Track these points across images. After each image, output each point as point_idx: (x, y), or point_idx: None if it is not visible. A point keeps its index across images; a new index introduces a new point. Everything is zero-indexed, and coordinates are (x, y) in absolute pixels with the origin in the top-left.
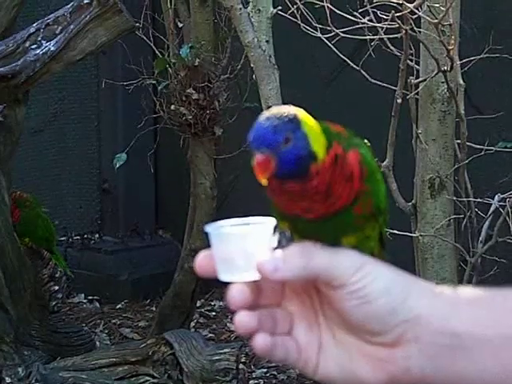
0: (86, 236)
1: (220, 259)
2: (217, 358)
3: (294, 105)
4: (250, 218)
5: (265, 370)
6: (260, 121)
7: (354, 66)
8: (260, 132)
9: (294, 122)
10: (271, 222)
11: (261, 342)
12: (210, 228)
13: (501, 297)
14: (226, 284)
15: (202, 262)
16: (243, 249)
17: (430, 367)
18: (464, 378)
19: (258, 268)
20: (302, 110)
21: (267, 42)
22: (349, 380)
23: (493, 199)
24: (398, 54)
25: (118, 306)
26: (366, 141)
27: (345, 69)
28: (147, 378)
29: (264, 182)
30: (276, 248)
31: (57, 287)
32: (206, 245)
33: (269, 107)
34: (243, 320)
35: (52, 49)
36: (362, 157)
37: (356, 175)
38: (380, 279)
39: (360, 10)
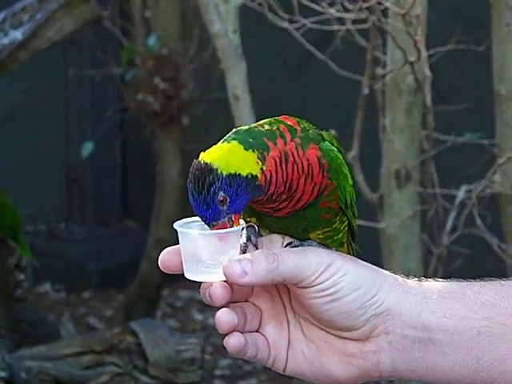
0: (53, 225)
1: (187, 258)
2: (182, 347)
3: (261, 95)
4: None
5: (231, 360)
6: (192, 196)
7: (322, 57)
8: (200, 212)
9: (213, 176)
10: (240, 223)
11: (234, 341)
12: (178, 225)
13: (471, 291)
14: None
15: (165, 257)
16: (211, 249)
17: (401, 360)
18: (435, 370)
19: (224, 272)
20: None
21: (234, 31)
22: (319, 375)
23: (459, 190)
24: (366, 45)
25: (84, 296)
26: (332, 132)
27: (312, 60)
28: (112, 367)
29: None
30: (245, 245)
31: (23, 276)
32: (173, 235)
33: (235, 97)
34: (226, 318)
35: (19, 38)
36: (323, 152)
37: (316, 170)
38: (349, 276)
39: (327, 1)
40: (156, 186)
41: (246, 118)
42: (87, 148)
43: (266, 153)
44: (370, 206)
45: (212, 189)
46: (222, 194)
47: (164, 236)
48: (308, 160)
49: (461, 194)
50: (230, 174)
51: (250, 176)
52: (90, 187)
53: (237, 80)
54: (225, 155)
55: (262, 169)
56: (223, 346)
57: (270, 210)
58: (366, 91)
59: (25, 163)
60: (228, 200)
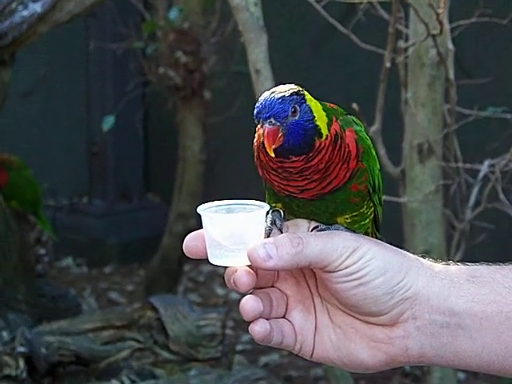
0: (74, 200)
1: (211, 242)
2: (203, 323)
3: (283, 69)
4: (246, 200)
5: None
6: (265, 94)
7: (344, 30)
8: (267, 103)
9: (300, 95)
10: (264, 206)
11: (259, 328)
12: (202, 209)
13: (500, 275)
14: None
15: (190, 243)
16: (235, 233)
17: (429, 346)
18: (463, 356)
19: (248, 256)
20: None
21: (255, 4)
22: (347, 361)
23: (482, 165)
24: (388, 18)
25: (105, 270)
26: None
27: (334, 33)
28: (133, 342)
29: (272, 152)
30: (270, 229)
31: (43, 251)
32: (194, 209)
33: (257, 71)
34: (251, 305)
35: (39, 10)
36: (358, 135)
37: (353, 155)
38: (375, 260)
39: None
40: (178, 160)
41: None
42: (108, 122)
43: (330, 124)
44: (392, 181)
45: (294, 96)
46: (298, 107)
47: (185, 210)
48: (348, 145)
49: (484, 168)
50: (311, 108)
51: (319, 128)
52: (112, 161)
53: (258, 53)
54: (313, 99)
55: (326, 134)
56: (245, 321)
57: (296, 189)
58: (387, 65)
59: (46, 137)
60: (296, 117)
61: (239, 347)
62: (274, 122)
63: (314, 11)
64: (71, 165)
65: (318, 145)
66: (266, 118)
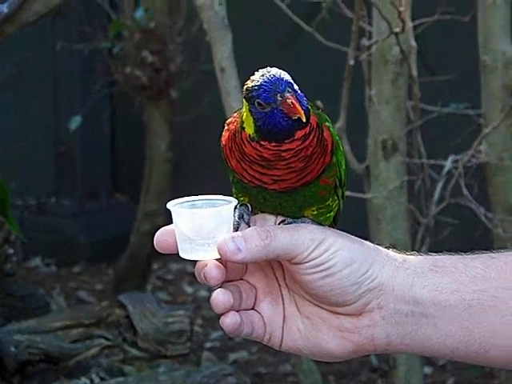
0: (42, 199)
1: (181, 237)
2: (171, 320)
3: (248, 68)
4: (214, 196)
5: (221, 332)
6: (262, 76)
7: (308, 29)
8: (273, 79)
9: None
10: (232, 201)
11: (230, 320)
12: (171, 205)
13: (462, 264)
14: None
15: (160, 238)
16: (204, 228)
17: (395, 334)
18: (428, 343)
19: (218, 249)
20: None
21: (220, 3)
22: (315, 351)
23: (446, 161)
24: (352, 16)
25: (74, 270)
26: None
27: (299, 31)
28: (101, 340)
29: (304, 117)
30: (238, 223)
31: (12, 250)
32: (162, 207)
33: (221, 69)
34: (221, 298)
35: (4, 11)
36: (331, 131)
37: (329, 150)
38: (342, 251)
39: None
40: (145, 159)
41: (233, 90)
42: (76, 121)
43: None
44: (357, 177)
45: (287, 80)
46: (289, 92)
47: (153, 208)
48: (326, 139)
49: (448, 164)
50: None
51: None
52: (79, 161)
53: (223, 52)
54: None
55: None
56: (214, 318)
57: (270, 178)
58: (351, 62)
59: (13, 137)
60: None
61: (208, 344)
62: (290, 91)
63: (279, 10)
64: (39, 165)
65: (309, 126)
66: (282, 90)
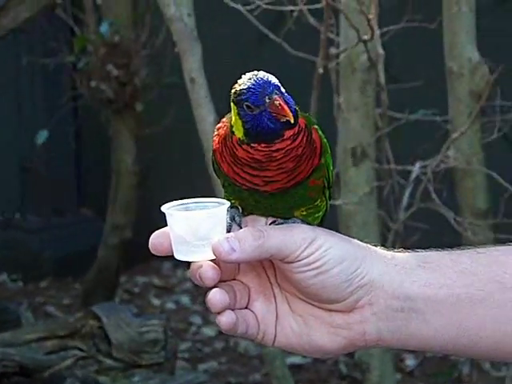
0: (7, 215)
1: (176, 239)
2: (145, 329)
3: (216, 78)
4: (207, 198)
5: (190, 343)
6: (249, 79)
7: (275, 38)
8: (260, 82)
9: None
10: (225, 203)
11: (226, 319)
12: (165, 208)
13: (450, 260)
14: (151, 260)
15: (155, 240)
16: (198, 230)
17: (386, 329)
18: (418, 338)
19: (213, 250)
20: None
21: (189, 15)
22: (308, 347)
23: (414, 166)
24: (318, 25)
25: (41, 285)
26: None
27: (266, 41)
28: (76, 351)
29: (292, 118)
30: (230, 225)
31: None
32: (130, 220)
33: (191, 79)
34: (218, 298)
35: None
36: (319, 134)
37: (318, 152)
38: (333, 250)
39: None
40: (110, 173)
41: (203, 101)
42: (42, 136)
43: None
44: None
45: (275, 82)
46: (277, 94)
47: (120, 222)
48: (315, 141)
49: (416, 169)
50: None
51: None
52: (45, 176)
53: (193, 62)
54: None
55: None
56: (183, 330)
57: (261, 180)
58: (320, 71)
59: None
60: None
61: (178, 355)
62: (278, 93)
63: (246, 20)
64: (3, 180)
65: (298, 127)
66: (270, 93)
